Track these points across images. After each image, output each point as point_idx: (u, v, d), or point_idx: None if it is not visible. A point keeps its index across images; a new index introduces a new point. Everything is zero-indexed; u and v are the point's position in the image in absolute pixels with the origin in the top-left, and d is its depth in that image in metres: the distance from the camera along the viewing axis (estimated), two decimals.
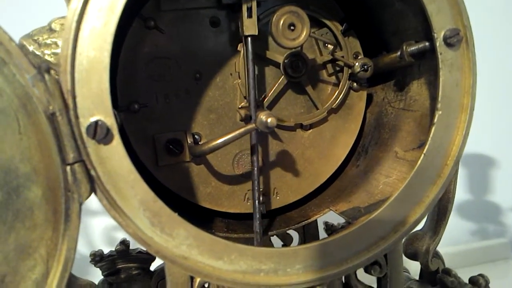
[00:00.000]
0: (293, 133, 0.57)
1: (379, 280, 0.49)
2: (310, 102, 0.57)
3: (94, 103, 0.38)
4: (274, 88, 0.55)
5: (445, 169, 0.45)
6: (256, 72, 0.54)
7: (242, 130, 0.46)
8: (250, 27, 0.49)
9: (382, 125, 0.58)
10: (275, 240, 0.63)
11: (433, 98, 0.47)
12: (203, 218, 0.56)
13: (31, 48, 0.41)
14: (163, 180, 0.54)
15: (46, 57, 0.41)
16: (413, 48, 0.48)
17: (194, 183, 0.55)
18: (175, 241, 0.40)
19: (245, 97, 0.54)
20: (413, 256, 0.58)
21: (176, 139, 0.53)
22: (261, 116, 0.45)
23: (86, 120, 0.38)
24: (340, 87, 0.56)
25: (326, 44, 0.56)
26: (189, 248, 0.40)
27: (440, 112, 0.44)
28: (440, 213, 0.56)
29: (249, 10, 0.49)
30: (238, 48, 0.53)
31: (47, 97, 0.36)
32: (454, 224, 1.48)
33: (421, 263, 0.57)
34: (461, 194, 1.48)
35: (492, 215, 1.53)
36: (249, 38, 0.49)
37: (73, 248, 0.37)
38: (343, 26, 0.55)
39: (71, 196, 0.38)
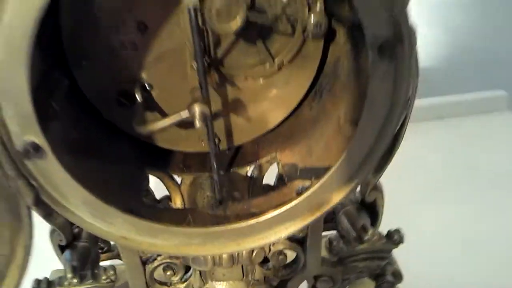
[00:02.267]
0: (245, 83, 0.57)
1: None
2: (263, 52, 0.55)
3: (22, 126, 0.40)
4: (224, 43, 0.53)
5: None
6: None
7: (176, 118, 0.48)
8: None
9: (337, 75, 0.58)
10: None
11: None
12: (162, 154, 0.61)
13: None
14: (121, 126, 0.57)
15: None
16: None
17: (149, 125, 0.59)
18: (115, 227, 0.47)
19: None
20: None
21: (126, 91, 0.55)
22: (195, 108, 0.46)
23: (18, 141, 0.41)
24: (293, 41, 0.54)
25: None
26: (127, 231, 0.48)
27: (362, 125, 0.45)
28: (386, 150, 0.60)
29: None
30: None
31: None
32: (454, 72, 1.49)
33: (361, 194, 0.64)
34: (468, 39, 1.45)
35: (493, 65, 1.52)
36: (191, 10, 0.47)
37: (29, 238, 0.45)
38: None
39: (19, 201, 0.43)
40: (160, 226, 0.48)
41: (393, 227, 0.63)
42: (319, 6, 0.52)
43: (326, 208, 0.50)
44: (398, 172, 0.61)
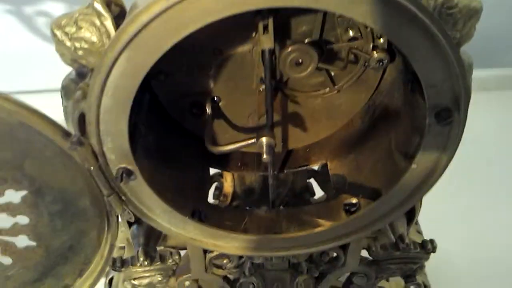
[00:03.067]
0: (305, 99, 0.62)
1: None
2: (325, 77, 0.60)
3: (119, 157, 0.48)
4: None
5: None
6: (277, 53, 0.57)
7: (243, 143, 0.55)
8: (266, 41, 0.50)
9: (392, 97, 0.62)
10: None
11: None
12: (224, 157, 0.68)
13: (63, 39, 0.48)
14: (191, 129, 0.64)
15: (77, 51, 0.48)
16: None
17: (215, 131, 0.65)
18: (186, 231, 0.55)
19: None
20: None
21: (197, 101, 0.61)
22: (262, 140, 0.52)
23: (114, 168, 0.48)
24: (355, 71, 0.58)
25: (348, 29, 0.55)
26: (196, 234, 0.56)
27: (415, 166, 0.50)
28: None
29: (266, 26, 0.49)
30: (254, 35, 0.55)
31: (81, 159, 0.47)
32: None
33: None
34: None
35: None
36: (266, 51, 0.51)
37: (114, 241, 0.54)
38: None
39: (109, 211, 0.52)
40: (222, 232, 0.56)
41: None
42: (383, 41, 0.56)
43: (371, 229, 0.56)
44: None
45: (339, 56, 0.58)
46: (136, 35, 0.40)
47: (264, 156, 0.52)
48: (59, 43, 0.48)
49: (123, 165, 0.48)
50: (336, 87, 0.60)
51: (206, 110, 0.61)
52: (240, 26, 0.54)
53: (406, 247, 0.63)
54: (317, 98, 0.62)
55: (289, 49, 0.49)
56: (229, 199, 0.76)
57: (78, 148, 0.45)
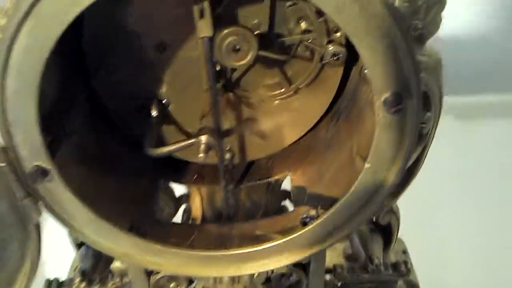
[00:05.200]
0: (262, 102, 0.57)
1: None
2: (280, 76, 0.55)
3: (31, 152, 0.42)
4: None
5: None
6: None
7: (184, 143, 0.49)
8: (203, 28, 0.46)
9: (354, 101, 0.56)
10: None
11: None
12: (179, 167, 0.63)
13: None
14: (138, 136, 0.59)
15: None
16: None
17: (165, 139, 0.60)
18: (118, 245, 0.49)
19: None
20: None
21: (143, 105, 0.56)
22: (200, 138, 0.47)
23: (27, 166, 0.43)
24: (311, 67, 0.53)
25: (300, 21, 0.51)
26: (130, 248, 0.49)
27: (369, 166, 0.44)
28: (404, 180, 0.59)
29: (202, 11, 0.45)
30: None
31: None
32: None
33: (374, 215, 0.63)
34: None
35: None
36: (206, 39, 0.46)
37: (36, 255, 0.48)
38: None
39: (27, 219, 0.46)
40: (161, 248, 0.49)
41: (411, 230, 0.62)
42: (339, 34, 0.51)
43: (329, 242, 0.49)
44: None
45: (293, 53, 0.53)
46: (34, 3, 0.35)
47: (200, 154, 0.46)
48: None
49: (37, 163, 0.43)
50: (292, 86, 0.55)
51: (151, 113, 0.56)
52: (183, 17, 0.50)
53: (376, 268, 0.56)
54: (273, 101, 0.57)
55: (224, 32, 0.44)
56: (198, 222, 0.70)
57: None
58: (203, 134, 0.48)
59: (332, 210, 0.48)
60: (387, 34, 0.37)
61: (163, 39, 0.52)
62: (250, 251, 0.50)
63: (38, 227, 0.47)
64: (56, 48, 0.38)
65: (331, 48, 0.51)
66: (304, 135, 0.61)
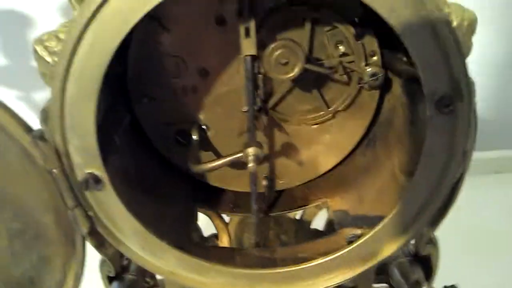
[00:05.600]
0: (299, 127, 0.58)
1: None
2: (318, 99, 0.56)
3: (85, 159, 0.43)
4: (279, 91, 0.55)
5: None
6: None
7: (230, 158, 0.50)
8: (248, 47, 0.48)
9: (392, 125, 0.57)
10: None
11: None
12: (214, 193, 0.63)
13: (43, 54, 0.45)
14: (177, 162, 0.59)
15: None
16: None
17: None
18: (164, 261, 0.48)
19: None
20: None
21: (183, 130, 0.57)
22: (247, 151, 0.48)
23: (80, 172, 0.43)
24: (348, 90, 0.55)
25: (338, 45, 0.53)
26: (176, 266, 0.48)
27: (418, 177, 0.44)
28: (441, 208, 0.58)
29: (247, 30, 0.47)
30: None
31: (43, 159, 0.42)
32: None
33: (414, 247, 0.62)
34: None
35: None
36: (248, 58, 0.49)
37: (80, 266, 0.47)
38: (356, 30, 0.52)
39: (75, 229, 0.45)
40: (208, 264, 0.48)
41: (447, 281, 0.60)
42: (376, 58, 0.53)
43: (377, 259, 0.48)
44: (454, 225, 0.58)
45: (332, 77, 0.55)
46: (98, 8, 0.38)
47: (250, 164, 0.47)
48: (39, 60, 0.46)
49: (90, 170, 0.43)
50: (330, 109, 0.56)
51: (192, 138, 0.57)
52: (226, 43, 0.53)
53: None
54: (311, 127, 0.58)
55: (273, 45, 0.46)
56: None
57: (40, 144, 0.41)
58: (250, 146, 0.48)
59: (378, 227, 0.48)
60: (438, 35, 0.39)
61: (205, 65, 0.55)
62: (298, 269, 0.49)
63: (84, 243, 0.47)
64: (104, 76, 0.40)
65: (369, 69, 0.53)
66: (340, 162, 0.62)
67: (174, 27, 0.53)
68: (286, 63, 0.46)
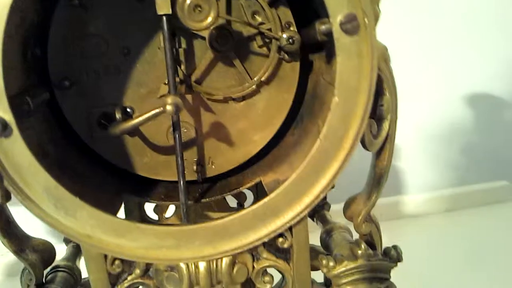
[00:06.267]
0: (226, 105, 0.58)
1: (286, 251, 0.52)
2: (242, 72, 0.57)
3: None
4: (201, 63, 0.56)
5: (342, 152, 0.46)
6: (184, 46, 0.55)
7: (150, 114, 0.48)
8: (162, 6, 0.49)
9: (316, 96, 0.59)
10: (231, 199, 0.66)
11: None
12: (148, 185, 0.60)
13: None
14: (99, 152, 0.57)
15: None
16: (323, 27, 0.47)
17: (130, 153, 0.58)
18: (79, 222, 0.44)
19: None
20: (349, 218, 0.61)
21: (107, 113, 0.56)
22: (166, 100, 0.47)
23: None
24: (269, 59, 0.57)
25: (254, 15, 0.56)
26: (92, 228, 0.44)
27: (337, 99, 0.45)
28: (374, 180, 0.58)
29: None
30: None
31: None
32: (462, 164, 1.50)
33: (354, 226, 0.60)
34: (468, 135, 1.47)
35: (499, 157, 1.52)
36: (164, 17, 0.50)
37: None
38: None
39: None
40: (129, 224, 0.45)
41: None
42: (292, 28, 0.56)
43: (307, 200, 0.46)
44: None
45: (252, 49, 0.57)
46: None
47: (173, 114, 0.46)
48: None
49: None
50: (254, 80, 0.57)
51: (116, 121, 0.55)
52: (146, 19, 0.54)
53: (364, 252, 0.51)
54: (238, 103, 0.58)
55: None
56: None
57: None
58: (167, 96, 0.47)
59: (301, 167, 0.47)
60: None
61: (127, 43, 0.55)
62: (226, 223, 0.46)
63: None
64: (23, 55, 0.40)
65: (285, 35, 0.55)
66: (271, 148, 0.61)
67: (94, 6, 0.54)
68: (200, 10, 0.47)
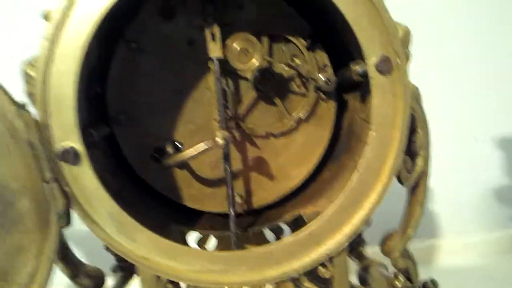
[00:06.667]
0: (267, 141, 0.63)
1: (327, 281, 0.54)
2: (281, 110, 0.62)
3: (65, 131, 0.46)
4: (245, 101, 0.61)
5: (379, 184, 0.49)
6: (230, 87, 0.60)
7: (200, 148, 0.53)
8: (214, 50, 0.55)
9: (351, 133, 0.62)
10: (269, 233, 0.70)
11: None
12: (193, 216, 0.64)
13: (33, 74, 0.49)
14: (152, 183, 0.62)
15: None
16: (358, 68, 0.52)
17: (179, 185, 0.63)
18: (137, 245, 0.48)
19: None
20: (386, 254, 0.63)
21: (159, 147, 0.61)
22: (215, 135, 0.51)
23: (58, 145, 0.46)
24: (306, 98, 0.61)
25: (293, 58, 0.61)
26: (149, 250, 0.48)
27: (373, 133, 0.49)
28: (410, 216, 0.60)
29: (213, 34, 0.55)
30: (210, 65, 0.59)
31: (25, 129, 0.45)
32: (493, 209, 1.48)
33: (391, 261, 0.62)
34: (501, 178, 1.47)
35: None
36: (215, 60, 0.55)
37: (52, 250, 0.47)
38: (308, 42, 0.60)
39: (50, 208, 0.46)
40: (184, 248, 0.49)
41: None
42: (328, 70, 0.61)
43: (347, 230, 0.49)
44: None
45: (291, 89, 0.62)
46: None
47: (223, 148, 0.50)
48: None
49: (69, 143, 0.46)
50: (292, 115, 0.61)
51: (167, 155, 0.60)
52: (195, 62, 0.60)
53: (404, 284, 0.54)
54: (277, 138, 0.63)
55: (233, 37, 0.53)
56: None
57: (23, 114, 0.45)
58: (217, 133, 0.52)
59: (343, 195, 0.50)
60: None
61: (178, 83, 0.61)
62: (273, 249, 0.50)
63: (58, 224, 0.47)
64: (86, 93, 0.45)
65: (322, 76, 0.59)
66: (309, 181, 0.65)
67: (149, 48, 0.60)
68: (246, 53, 0.53)
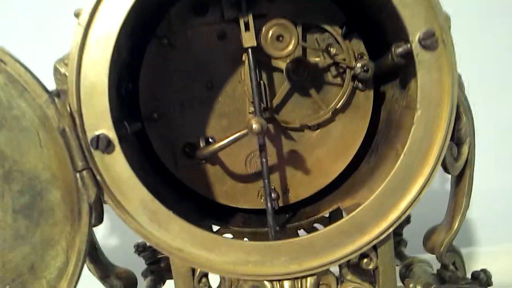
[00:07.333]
0: (302, 134, 0.60)
1: (372, 275, 0.51)
2: (317, 102, 0.60)
3: (97, 119, 0.45)
4: (279, 93, 0.59)
5: (426, 167, 0.46)
6: (263, 79, 0.59)
7: (235, 135, 0.51)
8: (248, 39, 0.53)
9: (391, 123, 0.60)
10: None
11: None
12: (225, 213, 0.62)
13: (62, 70, 0.49)
14: (183, 180, 0.60)
15: None
16: (399, 49, 0.49)
17: (211, 181, 0.61)
18: (171, 235, 0.46)
19: (252, 103, 0.58)
20: (430, 250, 0.59)
21: (191, 143, 0.60)
22: (250, 122, 0.49)
23: (90, 133, 0.45)
24: (343, 88, 0.59)
25: (329, 48, 0.59)
26: (183, 241, 0.46)
27: (420, 112, 0.46)
28: (455, 208, 0.57)
29: (247, 24, 0.53)
30: (243, 58, 0.58)
31: (58, 117, 0.44)
32: None
33: (436, 257, 0.58)
34: None
35: None
36: (250, 50, 0.54)
37: (84, 241, 0.45)
38: (343, 30, 0.58)
39: (81, 197, 0.45)
40: (219, 238, 0.46)
41: None
42: (365, 58, 0.59)
43: (393, 216, 0.46)
44: None
45: (326, 79, 0.60)
46: None
47: (258, 135, 0.48)
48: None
49: (101, 131, 0.45)
50: (329, 108, 0.59)
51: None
52: (227, 55, 0.59)
53: (452, 275, 0.50)
54: (313, 131, 0.60)
55: (268, 24, 0.51)
56: None
57: (56, 101, 0.44)
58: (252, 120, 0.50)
59: (385, 182, 0.47)
60: None
61: (210, 78, 0.59)
62: (311, 239, 0.47)
63: (90, 214, 0.46)
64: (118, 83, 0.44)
65: (359, 64, 0.57)
66: (346, 176, 0.62)
67: (180, 44, 0.59)
68: (281, 39, 0.51)
